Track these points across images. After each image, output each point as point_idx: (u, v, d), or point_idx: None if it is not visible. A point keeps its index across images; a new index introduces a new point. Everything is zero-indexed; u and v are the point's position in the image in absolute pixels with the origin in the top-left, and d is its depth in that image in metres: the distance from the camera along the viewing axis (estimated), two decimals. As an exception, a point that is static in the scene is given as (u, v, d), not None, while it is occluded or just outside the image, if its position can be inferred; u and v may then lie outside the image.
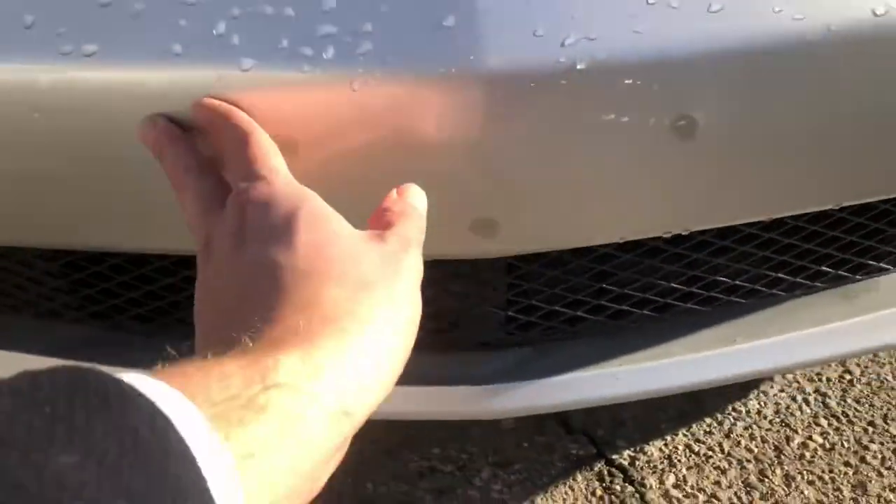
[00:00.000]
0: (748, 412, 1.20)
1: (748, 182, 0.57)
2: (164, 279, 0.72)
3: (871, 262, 0.77)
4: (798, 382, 1.25)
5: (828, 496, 1.06)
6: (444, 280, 0.71)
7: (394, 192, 0.48)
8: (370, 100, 0.52)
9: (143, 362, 0.31)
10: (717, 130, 0.54)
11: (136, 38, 0.53)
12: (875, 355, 1.27)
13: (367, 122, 0.53)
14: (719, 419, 1.19)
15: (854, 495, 1.06)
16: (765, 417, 1.19)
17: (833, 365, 1.26)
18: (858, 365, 1.26)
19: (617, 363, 0.75)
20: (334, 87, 0.52)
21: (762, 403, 1.21)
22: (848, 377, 1.24)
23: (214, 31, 0.53)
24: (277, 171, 0.47)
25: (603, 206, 0.57)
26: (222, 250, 0.44)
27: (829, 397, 1.21)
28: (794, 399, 1.22)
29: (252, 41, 0.52)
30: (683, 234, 0.61)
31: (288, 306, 0.39)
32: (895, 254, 0.77)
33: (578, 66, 0.51)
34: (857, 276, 0.78)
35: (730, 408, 1.21)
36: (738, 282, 0.75)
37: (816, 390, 1.23)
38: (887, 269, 0.78)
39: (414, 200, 0.48)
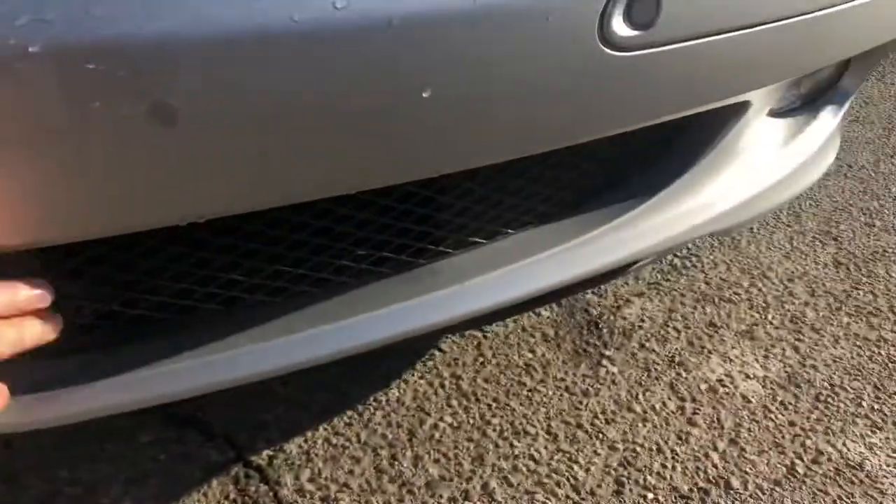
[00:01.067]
0: (388, 401, 1.25)
1: (242, 169, 0.59)
2: None
3: (431, 247, 0.83)
4: (437, 368, 1.32)
5: (450, 470, 1.14)
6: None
7: None
8: None
9: None
10: (199, 116, 0.55)
11: None
12: (506, 337, 1.39)
13: None
14: (360, 410, 1.23)
15: (473, 467, 1.14)
16: (403, 404, 1.25)
17: (469, 349, 1.36)
18: (491, 348, 1.37)
19: (183, 358, 0.74)
20: None
21: (402, 391, 1.27)
22: (481, 359, 1.34)
23: None
24: None
25: (101, 194, 0.56)
26: None
27: (462, 379, 1.30)
28: (431, 384, 1.29)
29: None
30: (199, 221, 0.61)
31: None
32: (452, 238, 0.84)
33: (31, 49, 0.49)
34: (422, 261, 0.84)
35: (371, 398, 1.26)
36: (301, 271, 0.78)
37: (452, 374, 1.31)
38: (449, 253, 0.85)
39: None
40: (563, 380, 1.31)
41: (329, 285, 0.81)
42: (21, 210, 0.54)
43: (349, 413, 1.23)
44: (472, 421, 1.22)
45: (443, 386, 1.29)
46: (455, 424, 1.22)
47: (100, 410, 0.74)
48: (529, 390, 1.28)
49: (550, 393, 1.28)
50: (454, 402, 1.26)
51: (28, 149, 0.52)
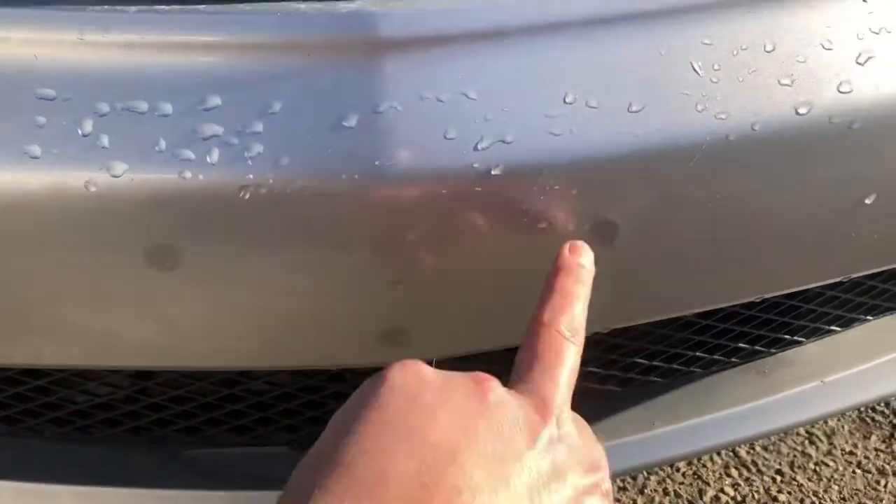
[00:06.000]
0: (662, 467, 1.19)
1: (671, 281, 0.55)
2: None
3: (785, 336, 0.76)
4: (708, 431, 1.24)
5: (741, 553, 1.06)
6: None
7: None
8: (261, 208, 0.46)
9: None
10: (640, 232, 0.51)
11: (-15, 138, 0.46)
12: (780, 400, 1.29)
13: (257, 232, 0.47)
14: (633, 474, 1.18)
15: (768, 551, 1.06)
16: (678, 471, 1.18)
17: (740, 412, 1.27)
18: (764, 411, 1.27)
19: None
20: (221, 195, 0.46)
21: (674, 455, 1.20)
22: (755, 424, 1.25)
23: (79, 131, 0.46)
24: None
25: (517, 311, 0.53)
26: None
27: (739, 446, 1.21)
28: (704, 449, 1.21)
29: (124, 142, 0.46)
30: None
31: None
32: (808, 328, 0.76)
33: (493, 172, 0.47)
34: (772, 350, 0.77)
35: (643, 462, 1.20)
36: (655, 362, 0.73)
37: (726, 439, 1.22)
38: (800, 342, 0.78)
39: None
40: (852, 453, 1.19)
41: (675, 375, 0.75)
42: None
43: (621, 476, 1.17)
44: (756, 495, 1.14)
45: (718, 453, 1.21)
46: (738, 498, 1.13)
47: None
48: (816, 463, 1.18)
49: (840, 468, 1.17)
50: (733, 472, 1.18)
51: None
